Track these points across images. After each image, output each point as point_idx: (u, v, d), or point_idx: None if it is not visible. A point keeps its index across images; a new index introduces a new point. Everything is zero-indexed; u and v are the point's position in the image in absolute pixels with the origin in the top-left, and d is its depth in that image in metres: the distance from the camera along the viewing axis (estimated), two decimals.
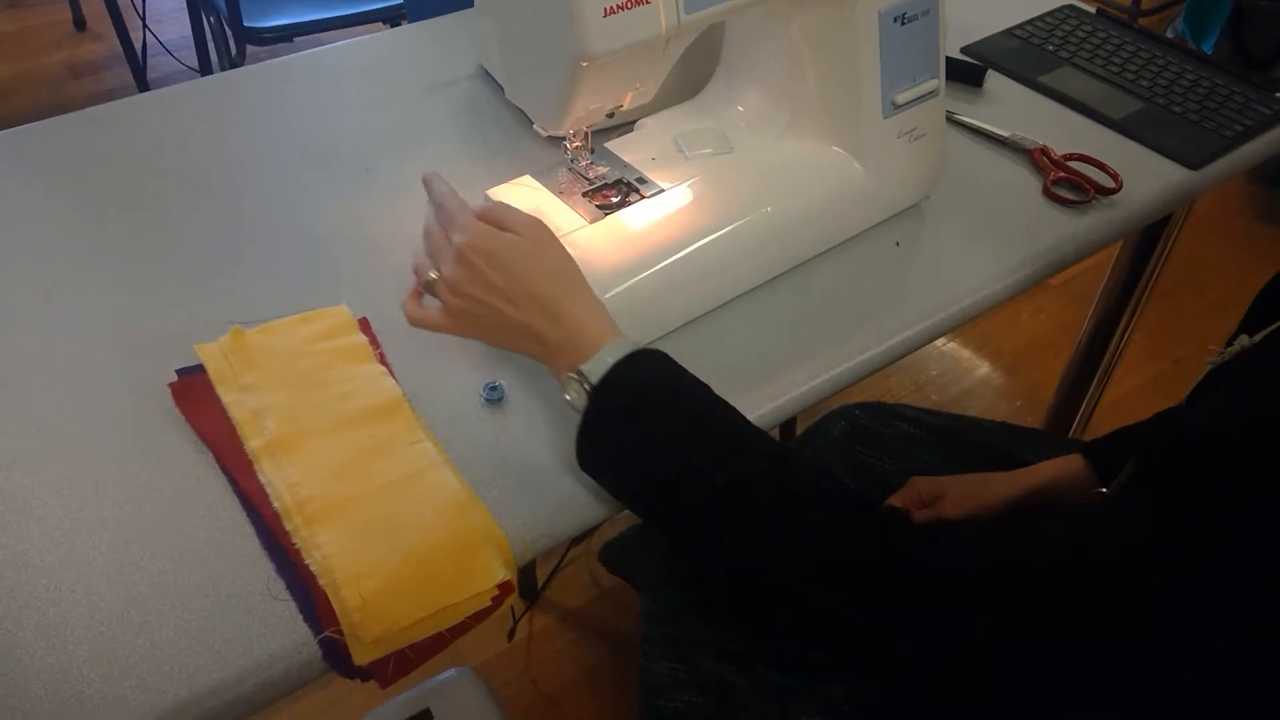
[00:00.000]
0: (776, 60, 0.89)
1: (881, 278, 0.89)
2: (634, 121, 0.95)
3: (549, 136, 1.01)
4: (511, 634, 1.51)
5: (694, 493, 0.64)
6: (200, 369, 0.76)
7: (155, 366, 0.77)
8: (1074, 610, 0.53)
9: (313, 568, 0.63)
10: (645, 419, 0.66)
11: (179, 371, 0.76)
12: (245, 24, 1.90)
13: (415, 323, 0.73)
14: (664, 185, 0.86)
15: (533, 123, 0.85)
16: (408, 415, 0.74)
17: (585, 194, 0.86)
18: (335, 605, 0.62)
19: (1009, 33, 1.22)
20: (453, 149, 1.03)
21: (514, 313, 0.68)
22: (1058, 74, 1.15)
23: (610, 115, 0.82)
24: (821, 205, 0.88)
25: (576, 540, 1.54)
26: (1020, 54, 1.19)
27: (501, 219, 0.71)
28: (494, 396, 0.76)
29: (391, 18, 2.04)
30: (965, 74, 1.14)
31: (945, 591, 0.56)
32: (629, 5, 0.69)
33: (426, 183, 0.74)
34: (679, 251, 0.80)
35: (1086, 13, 1.26)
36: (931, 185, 0.96)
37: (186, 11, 2.20)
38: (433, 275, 0.71)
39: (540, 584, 1.57)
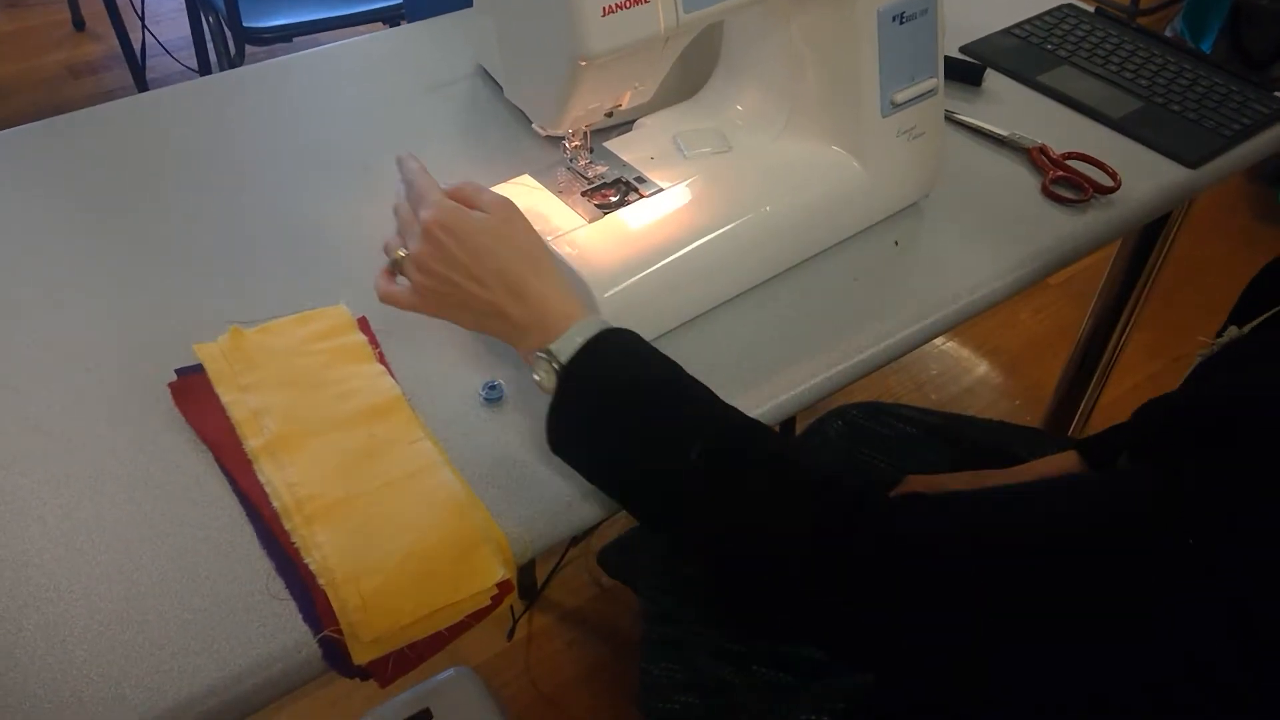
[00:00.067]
0: (775, 59, 0.89)
1: (880, 277, 0.89)
2: (633, 121, 0.95)
3: (548, 136, 1.01)
4: (511, 633, 1.51)
5: (668, 467, 0.63)
6: (199, 369, 0.76)
7: (154, 366, 0.77)
8: (1074, 610, 0.52)
9: (312, 567, 0.63)
10: (616, 396, 0.65)
11: (178, 371, 0.76)
12: (244, 24, 1.90)
13: (385, 300, 0.73)
14: (663, 184, 0.86)
15: (531, 122, 0.85)
16: (407, 414, 0.74)
17: (584, 193, 0.86)
18: (334, 604, 0.62)
19: (1008, 32, 1.22)
20: (452, 148, 1.03)
21: (479, 290, 0.68)
22: (1056, 73, 1.15)
23: (609, 115, 0.82)
24: (820, 204, 0.88)
25: (576, 539, 1.55)
26: (1019, 53, 1.19)
27: (471, 197, 0.71)
28: (493, 396, 0.76)
29: (390, 17, 2.04)
30: (964, 73, 1.14)
31: (945, 591, 0.56)
32: (628, 4, 0.69)
33: (399, 162, 0.74)
34: (678, 251, 0.80)
35: (1085, 12, 1.26)
36: (930, 184, 0.96)
37: (185, 12, 2.20)
38: (401, 253, 0.71)
39: (540, 583, 1.57)
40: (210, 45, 2.19)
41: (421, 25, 1.23)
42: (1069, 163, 1.00)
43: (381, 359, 0.78)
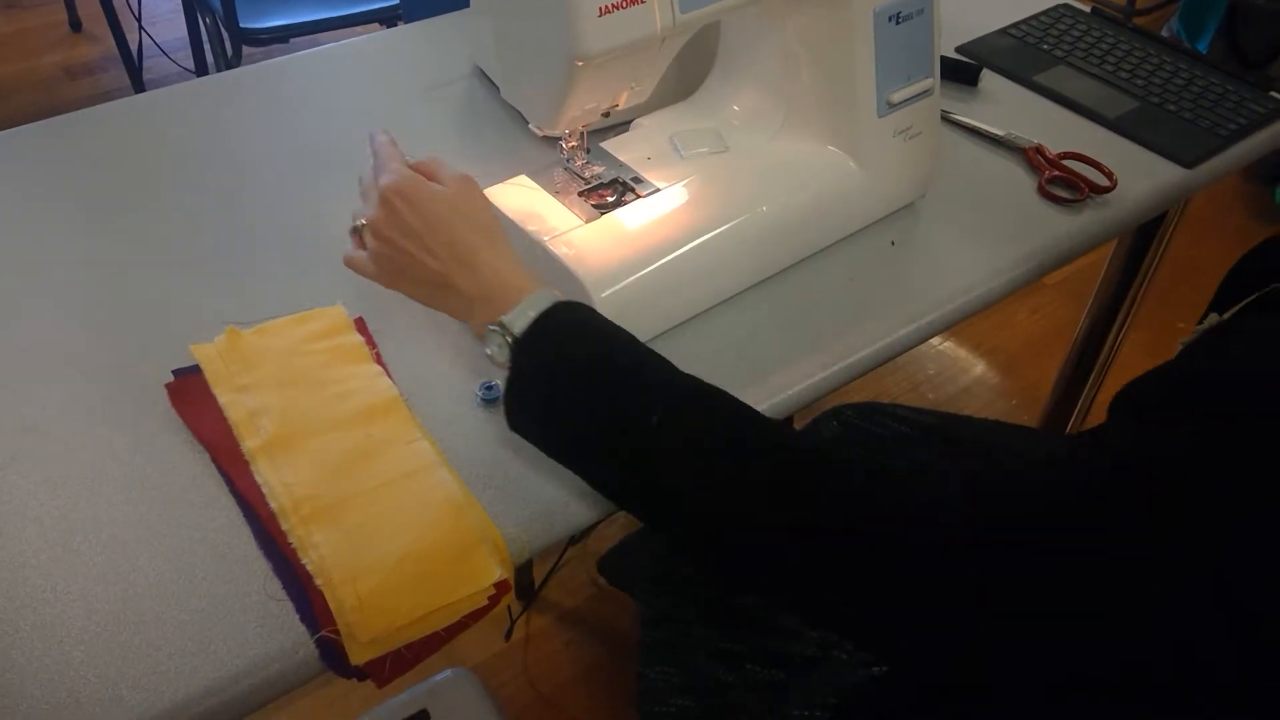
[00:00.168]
0: (772, 59, 0.89)
1: (877, 277, 0.89)
2: (629, 121, 0.95)
3: (545, 136, 1.01)
4: (509, 634, 1.51)
5: (629, 436, 0.62)
6: (196, 369, 0.76)
7: (151, 367, 0.77)
8: (1074, 610, 0.52)
9: (309, 567, 0.63)
10: (573, 368, 0.64)
11: (175, 372, 0.76)
12: (241, 25, 1.89)
13: (347, 264, 0.74)
14: (660, 185, 0.86)
15: (528, 122, 0.85)
16: (404, 415, 0.74)
17: (581, 193, 0.86)
18: (332, 605, 0.62)
19: (1004, 32, 1.23)
20: (449, 149, 1.03)
21: (429, 260, 0.68)
22: (1053, 73, 1.15)
23: (606, 115, 0.82)
24: (817, 204, 0.88)
25: (574, 539, 1.55)
26: (1015, 53, 1.19)
27: (433, 171, 0.72)
28: (490, 396, 0.76)
29: (387, 18, 2.04)
30: (960, 73, 1.14)
31: (945, 591, 0.56)
32: (624, 4, 0.69)
33: (370, 137, 0.74)
34: (674, 251, 0.80)
35: (1081, 12, 1.26)
36: (926, 184, 0.96)
37: (182, 13, 2.20)
38: (361, 222, 0.71)
39: (537, 583, 1.57)
40: (207, 46, 2.19)
41: (418, 26, 1.23)
42: (1065, 162, 1.01)
43: (379, 359, 0.78)
